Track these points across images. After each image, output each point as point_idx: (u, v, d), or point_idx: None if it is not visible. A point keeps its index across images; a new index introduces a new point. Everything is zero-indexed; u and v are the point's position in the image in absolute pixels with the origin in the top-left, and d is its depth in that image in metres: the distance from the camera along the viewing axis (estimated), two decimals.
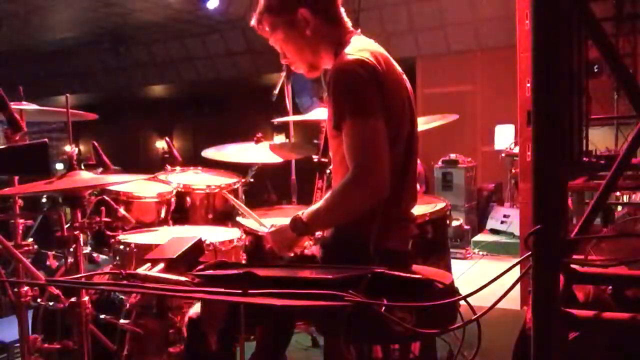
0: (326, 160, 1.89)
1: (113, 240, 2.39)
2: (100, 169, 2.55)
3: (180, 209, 2.85)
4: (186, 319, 1.72)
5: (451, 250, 2.86)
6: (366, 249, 1.58)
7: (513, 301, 3.83)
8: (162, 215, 2.76)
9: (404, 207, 1.73)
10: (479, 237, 6.49)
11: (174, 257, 1.31)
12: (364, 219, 1.59)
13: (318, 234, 1.81)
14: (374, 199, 1.55)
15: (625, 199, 5.41)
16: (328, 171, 2.06)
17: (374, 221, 1.59)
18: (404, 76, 1.74)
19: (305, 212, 1.63)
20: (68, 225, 1.90)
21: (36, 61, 10.85)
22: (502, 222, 6.50)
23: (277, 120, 3.45)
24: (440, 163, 7.05)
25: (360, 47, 1.64)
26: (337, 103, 1.59)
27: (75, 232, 1.87)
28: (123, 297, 2.34)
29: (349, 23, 1.77)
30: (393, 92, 1.64)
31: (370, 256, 1.57)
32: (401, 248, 1.72)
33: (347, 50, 1.64)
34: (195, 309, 1.72)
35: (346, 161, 1.58)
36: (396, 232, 1.69)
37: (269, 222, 2.45)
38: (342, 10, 1.77)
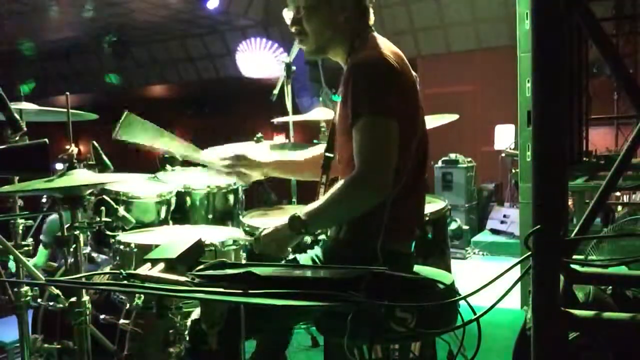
0: (331, 155, 1.87)
1: (113, 240, 2.38)
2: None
3: (180, 209, 2.85)
4: (189, 322, 1.71)
5: (451, 250, 2.86)
6: (373, 250, 1.58)
7: (513, 301, 3.83)
8: (162, 215, 2.75)
9: (413, 209, 1.72)
10: (479, 237, 6.49)
11: (174, 257, 1.31)
12: (372, 221, 1.58)
13: (322, 236, 1.80)
14: (376, 200, 1.54)
15: (625, 199, 5.41)
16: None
17: (382, 223, 1.58)
18: (417, 78, 1.73)
19: (303, 210, 1.60)
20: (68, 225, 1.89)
21: (36, 61, 10.85)
22: (502, 222, 6.50)
23: (277, 120, 3.45)
24: (440, 163, 7.05)
25: (380, 45, 1.64)
26: (355, 99, 1.56)
27: (75, 232, 1.87)
28: (123, 297, 2.34)
29: (372, 20, 1.74)
30: (409, 93, 1.63)
31: (377, 257, 1.57)
32: (405, 250, 1.71)
33: (368, 46, 1.63)
34: (198, 311, 1.71)
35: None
36: (403, 234, 1.69)
37: (270, 222, 2.44)
38: (371, 7, 1.75)
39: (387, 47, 1.65)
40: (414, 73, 1.70)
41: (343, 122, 1.66)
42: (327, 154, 1.88)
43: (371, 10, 1.74)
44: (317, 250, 1.84)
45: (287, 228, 1.60)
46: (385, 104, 1.54)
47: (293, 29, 1.73)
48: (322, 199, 1.61)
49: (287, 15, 1.74)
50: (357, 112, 1.55)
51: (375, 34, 1.72)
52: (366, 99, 1.54)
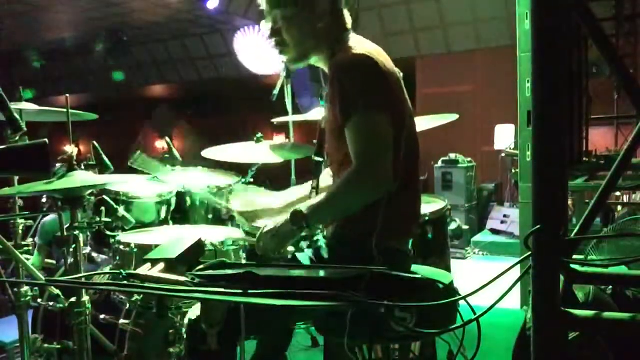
0: (321, 159, 1.87)
1: (113, 240, 2.39)
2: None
3: (180, 209, 2.85)
4: (186, 320, 1.71)
5: (451, 250, 2.86)
6: (369, 248, 1.58)
7: (513, 301, 3.83)
8: (162, 215, 2.75)
9: (408, 205, 1.72)
10: (479, 237, 6.48)
11: (174, 257, 1.31)
12: (368, 218, 1.59)
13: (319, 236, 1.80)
14: (377, 193, 1.54)
15: (626, 199, 5.41)
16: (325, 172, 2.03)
17: (377, 220, 1.59)
18: (401, 75, 1.74)
19: (305, 205, 1.60)
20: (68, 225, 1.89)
21: (36, 61, 10.85)
22: (502, 222, 6.50)
23: (277, 120, 3.45)
24: (440, 163, 7.05)
25: (359, 44, 1.65)
26: (344, 98, 1.57)
27: (75, 232, 1.87)
28: (123, 297, 2.34)
29: (349, 23, 1.75)
30: (393, 88, 1.65)
31: (373, 255, 1.57)
32: (402, 247, 1.72)
33: (348, 47, 1.64)
34: (195, 311, 1.71)
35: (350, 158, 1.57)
36: (399, 231, 1.69)
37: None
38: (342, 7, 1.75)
39: (367, 45, 1.66)
40: (396, 69, 1.71)
41: (332, 123, 1.67)
42: (316, 159, 1.88)
43: (347, 13, 1.74)
44: (315, 249, 1.85)
45: (288, 223, 1.59)
46: (374, 99, 1.55)
47: (273, 40, 1.72)
48: (323, 193, 1.61)
49: (265, 27, 1.73)
50: (348, 110, 1.56)
51: (354, 34, 1.72)
52: (355, 97, 1.55)
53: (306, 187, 1.95)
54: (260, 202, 1.96)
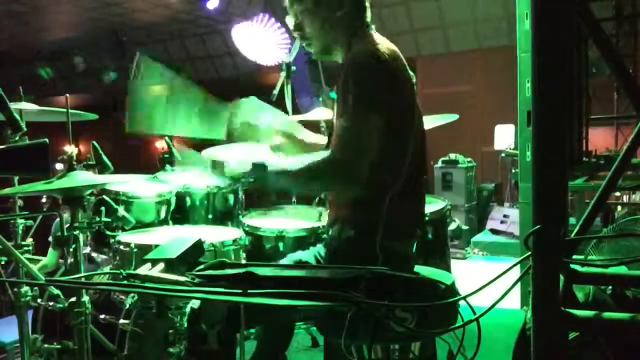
0: None
1: (113, 240, 2.38)
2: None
3: (180, 209, 2.85)
4: (188, 308, 1.72)
5: (451, 250, 2.86)
6: (372, 249, 1.58)
7: (513, 301, 3.83)
8: (162, 215, 2.75)
9: (412, 207, 1.72)
10: (479, 237, 6.48)
11: (174, 257, 1.31)
12: (371, 219, 1.59)
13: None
14: (339, 185, 1.59)
15: (625, 199, 5.41)
16: None
17: (380, 221, 1.59)
18: (414, 79, 1.74)
19: (272, 164, 1.62)
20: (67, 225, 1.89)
21: (36, 61, 10.84)
22: (502, 222, 6.50)
23: None
24: (440, 163, 7.05)
25: (375, 41, 1.66)
26: (344, 92, 1.58)
27: (75, 232, 1.86)
28: (123, 297, 2.34)
29: (369, 17, 1.76)
30: (401, 89, 1.65)
31: (377, 256, 1.57)
32: (405, 249, 1.72)
33: (363, 42, 1.65)
34: (195, 303, 1.72)
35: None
36: (402, 233, 1.69)
37: (270, 221, 2.45)
38: (368, 4, 1.77)
39: (383, 43, 1.67)
40: (411, 72, 1.71)
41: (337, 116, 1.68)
42: None
43: (368, 9, 1.75)
44: (319, 248, 1.85)
45: (249, 167, 1.62)
46: (370, 97, 1.56)
47: (296, 34, 1.77)
48: (293, 162, 1.62)
49: (289, 22, 1.78)
50: (342, 103, 1.58)
51: (376, 33, 1.73)
52: (353, 92, 1.56)
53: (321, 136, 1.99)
54: (262, 120, 1.99)
